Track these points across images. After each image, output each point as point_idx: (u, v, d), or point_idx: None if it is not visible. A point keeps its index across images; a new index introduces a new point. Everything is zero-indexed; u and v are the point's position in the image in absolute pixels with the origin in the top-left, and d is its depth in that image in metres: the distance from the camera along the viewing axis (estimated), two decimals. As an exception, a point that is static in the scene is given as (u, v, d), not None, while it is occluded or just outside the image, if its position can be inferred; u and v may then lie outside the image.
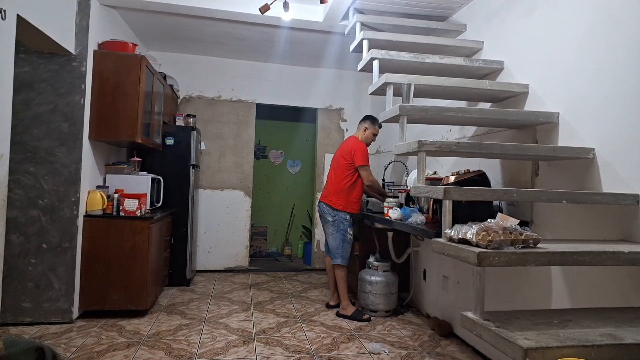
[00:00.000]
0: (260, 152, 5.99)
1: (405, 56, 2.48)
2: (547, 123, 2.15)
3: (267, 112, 5.50)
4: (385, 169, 4.07)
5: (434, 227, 2.29)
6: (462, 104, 2.89)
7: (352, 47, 2.92)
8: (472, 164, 2.62)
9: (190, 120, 4.29)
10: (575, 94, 2.01)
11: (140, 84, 3.18)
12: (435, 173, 3.12)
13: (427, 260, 3.38)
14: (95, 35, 3.11)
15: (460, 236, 1.47)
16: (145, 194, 3.32)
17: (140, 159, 3.73)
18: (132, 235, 3.08)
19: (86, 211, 3.05)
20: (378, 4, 2.95)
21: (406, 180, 3.54)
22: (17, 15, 2.21)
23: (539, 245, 1.45)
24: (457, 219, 1.61)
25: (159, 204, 3.73)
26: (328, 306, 3.51)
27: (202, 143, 4.65)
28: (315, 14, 3.47)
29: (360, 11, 3.03)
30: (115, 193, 3.19)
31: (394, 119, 2.19)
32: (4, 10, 2.06)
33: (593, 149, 1.88)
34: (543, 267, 2.11)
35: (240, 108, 4.89)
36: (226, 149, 4.85)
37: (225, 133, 4.85)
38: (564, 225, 2.04)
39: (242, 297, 3.78)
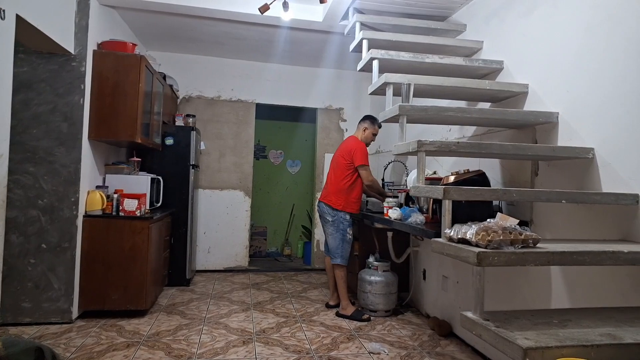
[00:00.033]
0: (259, 152, 5.99)
1: (404, 56, 2.48)
2: (546, 123, 2.15)
3: (266, 112, 5.50)
4: (385, 169, 4.07)
5: (434, 227, 2.29)
6: (461, 103, 2.89)
7: (351, 47, 2.92)
8: (472, 164, 2.62)
9: (190, 120, 4.29)
10: (575, 93, 2.01)
11: (139, 84, 3.18)
12: (434, 173, 3.12)
13: (427, 260, 3.38)
14: (94, 35, 3.10)
15: (459, 236, 1.47)
16: (145, 194, 3.32)
17: (139, 159, 3.73)
18: (131, 235, 3.07)
19: (86, 211, 3.05)
20: (378, 4, 2.95)
21: (406, 180, 3.54)
22: (17, 15, 2.21)
23: (538, 245, 1.45)
24: (456, 219, 1.61)
25: (159, 204, 3.73)
26: (328, 306, 3.51)
27: (202, 143, 4.65)
28: (315, 14, 3.47)
29: (359, 11, 3.03)
30: (115, 193, 3.19)
31: (394, 119, 2.19)
32: (3, 10, 2.06)
33: (592, 149, 1.88)
34: (543, 267, 2.11)
35: (240, 108, 4.89)
36: (226, 149, 4.85)
37: (225, 133, 4.85)
38: (563, 225, 2.04)
39: (242, 297, 3.78)
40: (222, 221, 4.79)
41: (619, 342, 1.21)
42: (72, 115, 2.94)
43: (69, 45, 2.88)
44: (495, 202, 2.35)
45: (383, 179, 3.97)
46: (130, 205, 3.12)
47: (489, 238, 1.36)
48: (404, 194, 3.22)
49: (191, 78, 4.73)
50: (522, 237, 1.40)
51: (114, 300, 3.04)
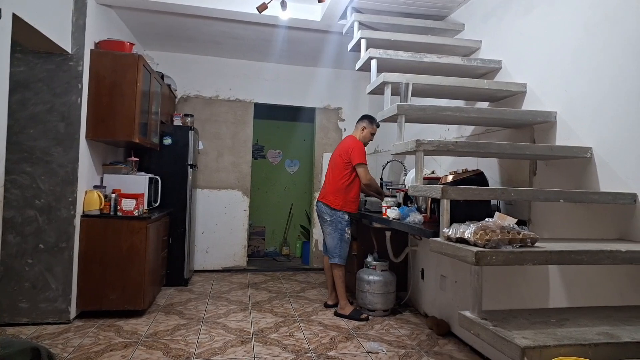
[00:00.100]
0: (258, 152, 5.98)
1: (403, 55, 2.48)
2: (544, 122, 2.15)
3: (265, 112, 5.49)
4: (383, 169, 4.07)
5: (432, 226, 2.30)
6: (460, 103, 2.89)
7: (350, 46, 2.92)
8: (470, 164, 2.62)
9: (188, 119, 4.28)
10: (573, 93, 2.01)
11: (137, 84, 3.17)
12: (433, 172, 3.12)
13: (425, 259, 3.38)
14: (92, 35, 3.09)
15: (458, 235, 1.47)
16: (143, 194, 3.31)
17: (137, 159, 3.72)
18: (129, 235, 3.07)
19: (83, 211, 3.04)
20: (376, 3, 2.95)
21: (404, 180, 3.54)
22: (13, 14, 2.19)
23: (536, 244, 1.45)
24: (455, 218, 1.61)
25: (157, 204, 3.72)
26: (326, 306, 3.51)
27: (200, 143, 4.64)
28: (313, 13, 3.46)
29: (358, 10, 3.02)
30: (113, 193, 3.18)
31: (392, 119, 2.19)
32: (0, 9, 2.05)
33: (590, 148, 1.88)
34: (541, 266, 2.11)
35: (238, 107, 4.89)
36: (224, 149, 4.84)
37: (223, 133, 4.84)
38: (561, 225, 2.04)
39: (240, 296, 3.78)
40: (220, 221, 4.78)
41: (616, 341, 1.21)
42: (69, 115, 2.93)
43: (66, 45, 2.87)
44: (493, 202, 2.36)
45: (381, 179, 3.97)
46: (128, 205, 3.12)
47: (487, 237, 1.36)
48: (402, 194, 3.22)
49: (189, 77, 4.72)
50: (520, 236, 1.41)
51: (111, 300, 3.03)
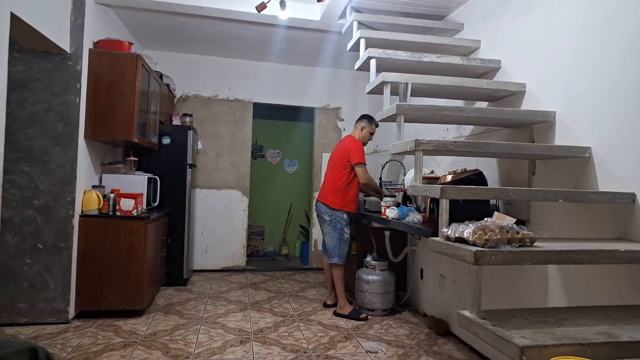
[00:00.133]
0: (257, 152, 5.98)
1: (402, 55, 2.48)
2: (543, 122, 2.15)
3: (264, 112, 5.49)
4: (383, 168, 4.07)
5: (431, 226, 2.30)
6: (459, 103, 2.89)
7: (349, 46, 2.91)
8: (469, 163, 2.62)
9: (187, 119, 4.28)
10: (572, 93, 2.01)
11: (136, 83, 3.16)
12: (432, 172, 3.12)
13: (424, 259, 3.38)
14: (90, 34, 3.09)
15: (457, 235, 1.47)
16: (142, 194, 3.31)
17: (136, 159, 3.71)
18: (128, 235, 3.06)
19: (82, 211, 3.03)
20: (375, 3, 2.95)
21: (403, 180, 3.54)
22: (11, 13, 2.19)
23: (535, 244, 1.45)
24: (454, 218, 1.61)
25: (156, 204, 3.71)
26: (325, 305, 3.51)
27: (199, 142, 4.64)
28: (312, 13, 3.46)
29: (357, 10, 3.02)
30: (111, 193, 3.17)
31: (391, 118, 2.19)
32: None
33: (589, 148, 1.88)
34: (540, 266, 2.11)
35: (237, 107, 4.88)
36: (223, 149, 4.84)
37: (222, 132, 4.84)
38: (560, 224, 2.04)
39: (240, 296, 3.77)
40: (219, 221, 4.78)
41: (615, 341, 1.21)
42: (67, 114, 2.93)
43: (65, 44, 2.86)
44: (492, 201, 2.36)
45: (380, 178, 3.97)
46: (126, 205, 3.11)
47: (486, 237, 1.36)
48: (401, 193, 3.22)
49: (188, 77, 4.71)
50: (519, 236, 1.41)
51: (110, 300, 3.03)
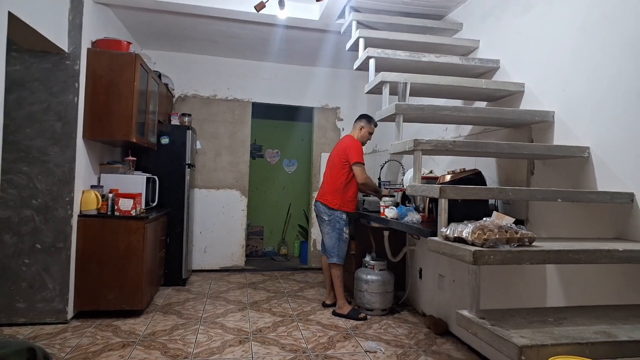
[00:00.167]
0: (256, 152, 5.97)
1: (401, 55, 2.48)
2: (542, 122, 2.15)
3: (263, 111, 5.48)
4: (382, 168, 4.07)
5: (430, 225, 2.30)
6: (458, 102, 2.89)
7: (348, 45, 2.91)
8: (468, 163, 2.62)
9: (186, 119, 4.27)
10: (571, 92, 2.01)
11: (134, 83, 3.16)
12: (431, 172, 3.13)
13: (423, 259, 3.38)
14: (88, 34, 3.08)
15: (456, 235, 1.47)
16: (140, 194, 3.30)
17: (135, 158, 3.71)
18: (127, 235, 3.06)
19: (80, 211, 3.03)
20: (374, 2, 2.95)
21: (402, 179, 3.54)
22: (9, 12, 2.18)
23: (534, 243, 1.45)
24: (453, 218, 1.61)
25: (154, 204, 3.71)
26: (324, 305, 3.51)
27: (198, 142, 4.64)
28: (311, 12, 3.46)
29: (356, 9, 3.02)
30: (110, 192, 3.17)
31: (390, 118, 2.19)
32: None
33: (588, 148, 1.88)
34: (538, 266, 2.11)
35: (236, 107, 4.88)
36: (222, 148, 4.83)
37: (221, 132, 4.83)
38: (559, 224, 2.04)
39: (238, 296, 3.77)
40: (218, 221, 4.77)
41: (613, 340, 1.21)
42: (66, 114, 2.92)
43: (63, 44, 2.85)
44: (491, 201, 2.36)
45: (379, 178, 3.97)
46: (125, 204, 3.10)
47: (485, 237, 1.36)
48: (400, 193, 3.22)
49: (187, 77, 4.71)
50: (518, 235, 1.41)
51: (109, 300, 3.03)
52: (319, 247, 4.69)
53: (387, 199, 3.09)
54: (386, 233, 3.37)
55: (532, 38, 2.30)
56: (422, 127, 3.34)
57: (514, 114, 2.17)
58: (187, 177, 4.05)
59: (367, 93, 2.56)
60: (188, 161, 4.06)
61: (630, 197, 1.67)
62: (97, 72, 3.09)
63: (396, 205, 2.96)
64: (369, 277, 3.29)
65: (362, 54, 2.60)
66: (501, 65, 2.56)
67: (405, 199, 3.08)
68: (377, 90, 2.43)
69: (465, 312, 1.40)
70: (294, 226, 5.94)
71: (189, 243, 4.23)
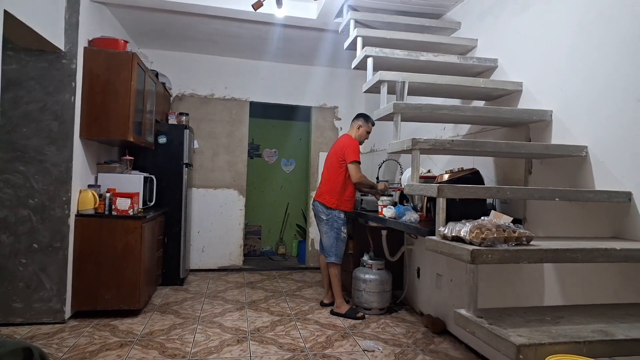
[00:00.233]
0: (254, 151, 5.96)
1: (399, 54, 2.48)
2: (540, 121, 2.16)
3: (260, 111, 5.47)
4: (380, 167, 4.07)
5: (428, 225, 2.30)
6: (456, 102, 2.90)
7: (346, 44, 2.91)
8: (466, 162, 2.62)
9: (183, 118, 4.26)
10: (569, 92, 2.02)
11: (131, 82, 3.15)
12: (429, 171, 3.13)
13: (421, 258, 3.39)
14: (85, 32, 3.06)
15: (453, 234, 1.47)
16: (138, 193, 3.29)
17: (132, 158, 3.69)
18: (124, 235, 3.05)
19: (77, 210, 3.02)
20: (372, 1, 2.94)
21: (400, 179, 3.54)
22: (5, 10, 2.16)
23: (531, 242, 1.46)
24: (450, 217, 1.61)
25: (152, 203, 3.70)
26: (322, 304, 3.51)
27: (195, 142, 4.62)
28: (309, 11, 3.45)
29: (354, 8, 3.02)
30: (107, 192, 3.16)
31: (388, 117, 2.19)
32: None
33: (586, 147, 1.88)
34: (536, 265, 2.12)
35: (234, 106, 4.87)
36: (219, 148, 4.82)
37: (219, 132, 4.82)
38: (556, 223, 2.05)
39: (236, 296, 3.77)
40: (216, 220, 4.76)
41: (610, 339, 1.22)
42: (62, 113, 2.90)
43: (59, 42, 2.84)
44: (489, 200, 2.36)
45: (377, 178, 3.97)
46: (122, 204, 3.09)
47: (483, 236, 1.36)
48: (398, 193, 3.22)
49: (184, 76, 4.69)
50: (516, 234, 1.41)
51: (107, 300, 3.02)
52: (316, 246, 4.69)
53: (385, 198, 3.09)
54: (384, 232, 3.37)
55: (529, 37, 2.30)
56: (420, 126, 3.34)
57: (512, 113, 2.17)
58: (185, 177, 4.04)
59: (365, 92, 2.56)
60: (185, 160, 4.05)
61: (628, 196, 1.68)
62: (94, 71, 3.08)
63: (394, 204, 2.97)
64: (366, 276, 3.29)
65: (360, 53, 2.60)
66: (499, 64, 2.57)
67: (403, 198, 3.08)
68: (375, 89, 2.42)
69: (463, 311, 1.41)
70: (291, 225, 5.94)
71: (186, 242, 4.22)
